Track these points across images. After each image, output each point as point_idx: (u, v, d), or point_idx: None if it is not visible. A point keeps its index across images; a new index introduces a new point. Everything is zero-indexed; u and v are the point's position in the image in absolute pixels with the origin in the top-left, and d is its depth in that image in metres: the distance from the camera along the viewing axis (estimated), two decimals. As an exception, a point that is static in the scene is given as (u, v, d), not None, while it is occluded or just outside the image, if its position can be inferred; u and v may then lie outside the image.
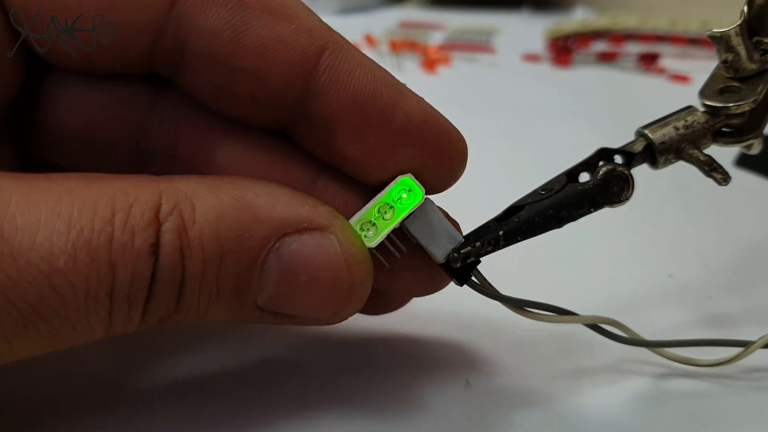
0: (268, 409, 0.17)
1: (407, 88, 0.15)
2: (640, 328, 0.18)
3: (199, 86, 0.15)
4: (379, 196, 0.15)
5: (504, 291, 0.17)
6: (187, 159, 0.16)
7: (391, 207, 0.15)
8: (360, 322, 0.21)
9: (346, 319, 0.15)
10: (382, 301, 0.18)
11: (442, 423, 0.17)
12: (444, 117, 0.15)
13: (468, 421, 0.17)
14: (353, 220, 0.15)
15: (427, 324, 0.21)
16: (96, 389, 0.18)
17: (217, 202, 0.13)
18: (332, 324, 0.15)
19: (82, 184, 0.12)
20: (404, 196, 0.15)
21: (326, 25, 0.15)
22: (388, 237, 0.15)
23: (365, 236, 0.15)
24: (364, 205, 0.15)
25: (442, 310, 0.21)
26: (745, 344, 0.18)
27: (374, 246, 0.15)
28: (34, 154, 0.16)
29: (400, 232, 0.15)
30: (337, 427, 0.17)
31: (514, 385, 0.18)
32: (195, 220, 0.13)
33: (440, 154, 0.15)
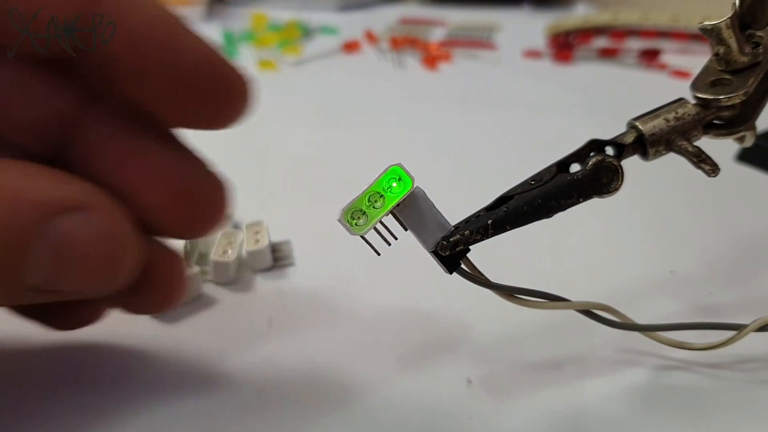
0: (269, 407, 0.17)
1: (187, 29, 0.15)
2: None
3: None
4: (369, 185, 0.15)
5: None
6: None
7: (381, 196, 0.15)
8: (360, 322, 0.21)
9: (120, 287, 0.15)
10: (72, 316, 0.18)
11: (444, 422, 0.17)
12: (224, 60, 0.15)
13: (470, 419, 0.17)
14: (345, 209, 0.15)
15: (428, 323, 0.21)
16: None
17: None
18: (103, 295, 0.15)
19: None
20: (394, 185, 0.15)
21: None
22: (378, 224, 0.15)
23: (356, 224, 0.15)
24: (134, 138, 0.15)
25: (442, 309, 0.22)
26: (738, 328, 0.18)
27: (364, 234, 0.15)
28: None
29: (392, 220, 0.16)
30: (338, 426, 0.17)
31: (515, 382, 0.18)
32: None
33: (218, 99, 0.15)
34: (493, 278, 0.16)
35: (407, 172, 0.15)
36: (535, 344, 0.20)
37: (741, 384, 0.18)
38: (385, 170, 0.16)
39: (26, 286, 0.14)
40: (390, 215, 0.16)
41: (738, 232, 0.27)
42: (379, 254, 0.16)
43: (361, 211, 0.15)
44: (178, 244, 0.19)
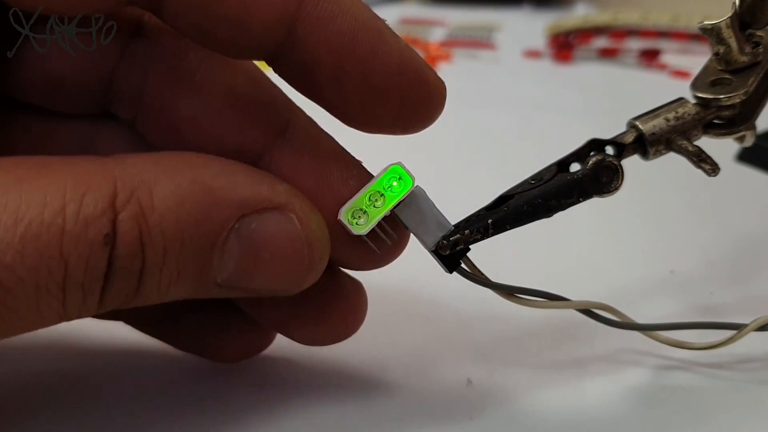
0: (272, 406, 0.17)
1: (390, 31, 0.15)
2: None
3: (180, 27, 0.14)
4: (370, 183, 0.15)
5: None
6: (151, 106, 0.16)
7: (382, 195, 0.15)
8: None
9: (304, 288, 0.15)
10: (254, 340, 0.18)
11: (445, 423, 0.17)
12: (425, 65, 0.15)
13: (470, 420, 0.17)
14: (345, 208, 0.15)
15: (428, 323, 0.21)
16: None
17: (175, 186, 0.13)
18: (291, 295, 0.15)
19: (32, 173, 0.12)
20: (395, 184, 0.15)
21: None
22: (379, 224, 0.15)
23: (356, 224, 0.15)
24: (318, 169, 0.15)
25: (442, 310, 0.22)
26: (738, 327, 0.18)
27: (365, 233, 0.15)
28: (6, 105, 0.16)
29: (392, 220, 0.16)
30: (338, 426, 0.17)
31: (515, 382, 0.18)
32: (154, 207, 0.13)
33: (417, 105, 0.15)
34: (493, 278, 0.16)
35: (407, 171, 0.15)
36: (535, 345, 0.20)
37: (741, 384, 0.18)
38: (386, 169, 0.15)
39: (214, 281, 0.14)
40: (390, 214, 0.16)
41: (738, 232, 0.27)
42: (379, 253, 0.16)
43: (361, 210, 0.15)
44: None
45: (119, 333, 0.19)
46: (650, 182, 0.20)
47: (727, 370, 0.19)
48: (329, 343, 0.17)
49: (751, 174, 0.33)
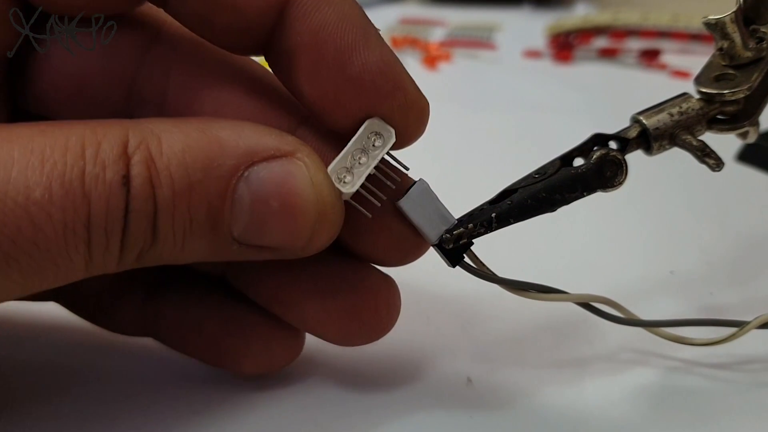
0: (271, 404, 0.17)
1: (377, 35, 0.15)
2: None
3: (183, 15, 0.15)
4: (350, 143, 0.15)
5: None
6: (176, 105, 0.16)
7: (364, 152, 0.15)
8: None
9: (322, 248, 0.15)
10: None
11: (445, 421, 0.17)
12: (406, 73, 0.15)
13: (470, 418, 0.17)
14: (329, 170, 0.15)
15: (428, 322, 0.21)
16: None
17: (183, 135, 0.13)
18: (309, 254, 0.15)
19: (53, 127, 0.13)
20: (375, 139, 0.15)
21: None
22: (364, 185, 0.15)
23: (342, 183, 0.15)
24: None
25: (443, 309, 0.21)
26: (740, 324, 0.18)
27: (353, 192, 0.15)
28: (25, 108, 0.16)
29: (375, 181, 0.15)
30: (337, 424, 0.17)
31: (515, 381, 0.18)
32: (162, 152, 0.13)
33: (393, 112, 0.15)
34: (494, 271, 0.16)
35: (386, 125, 0.15)
36: (535, 344, 0.20)
37: (742, 385, 0.18)
38: (364, 125, 0.15)
39: (229, 234, 0.14)
40: (394, 207, 0.15)
41: (738, 232, 0.27)
42: (370, 216, 0.15)
43: (345, 169, 0.15)
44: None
45: (148, 348, 0.19)
46: (650, 182, 0.20)
47: (728, 371, 0.19)
48: (364, 341, 0.17)
49: (751, 174, 0.33)
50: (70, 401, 0.17)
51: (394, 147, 0.15)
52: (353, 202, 0.15)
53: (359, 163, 0.15)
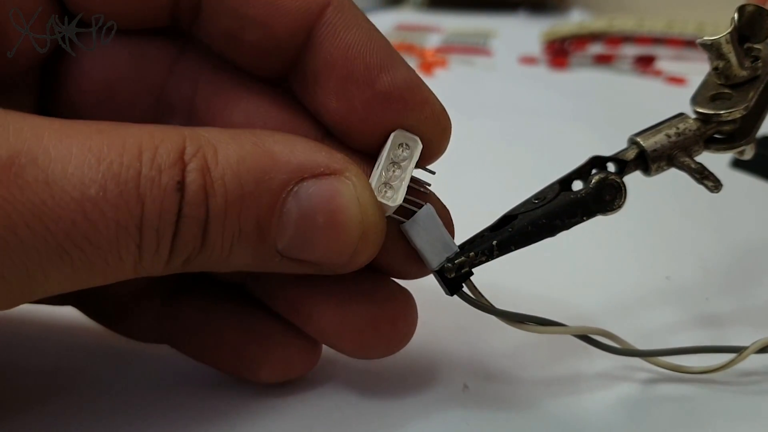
0: (268, 410, 0.17)
1: (400, 57, 0.15)
2: (636, 331, 0.18)
3: (212, 34, 0.15)
4: (383, 157, 0.15)
5: (500, 294, 0.17)
6: (204, 114, 0.16)
7: (395, 164, 0.15)
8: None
9: (361, 266, 0.15)
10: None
11: (440, 427, 0.17)
12: (431, 91, 0.16)
13: (466, 425, 0.17)
14: (373, 187, 0.15)
15: (425, 328, 0.21)
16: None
17: (238, 147, 0.14)
18: (347, 272, 0.15)
19: (111, 127, 0.13)
20: (403, 150, 0.15)
21: None
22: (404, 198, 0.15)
23: (386, 198, 0.15)
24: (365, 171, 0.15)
25: (439, 315, 0.21)
26: (738, 350, 0.18)
27: (399, 204, 0.15)
28: (54, 112, 0.16)
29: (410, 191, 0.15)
30: (334, 430, 0.17)
31: (511, 389, 0.18)
32: (217, 162, 0.13)
33: (420, 124, 0.15)
34: (488, 286, 0.16)
35: (410, 134, 0.15)
36: (532, 351, 0.20)
37: (738, 396, 0.18)
38: (389, 140, 0.15)
39: (274, 247, 0.14)
40: (397, 229, 0.16)
41: (733, 239, 0.28)
42: (403, 222, 0.15)
43: (384, 183, 0.15)
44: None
45: (164, 355, 0.19)
46: (646, 189, 0.20)
47: (725, 384, 0.19)
48: (381, 354, 0.17)
49: (746, 180, 0.34)
50: (83, 407, 0.17)
51: (421, 161, 0.16)
52: (395, 216, 0.15)
53: (394, 175, 0.15)
